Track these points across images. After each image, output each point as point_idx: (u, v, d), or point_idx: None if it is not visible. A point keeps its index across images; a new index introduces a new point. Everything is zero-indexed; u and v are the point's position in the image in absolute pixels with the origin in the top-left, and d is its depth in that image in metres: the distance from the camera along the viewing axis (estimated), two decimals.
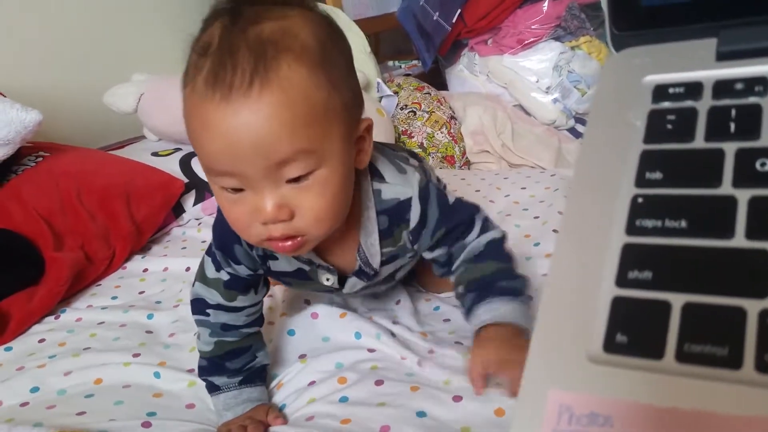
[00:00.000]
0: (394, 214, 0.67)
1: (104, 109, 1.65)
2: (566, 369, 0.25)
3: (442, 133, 1.58)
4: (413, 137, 1.58)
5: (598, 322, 0.26)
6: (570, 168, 1.43)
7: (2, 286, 1.00)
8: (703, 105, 0.30)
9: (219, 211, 0.68)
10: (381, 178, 0.67)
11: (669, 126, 0.29)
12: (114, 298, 1.04)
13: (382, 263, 0.71)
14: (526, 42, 1.67)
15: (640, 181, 0.28)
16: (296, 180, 0.54)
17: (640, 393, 0.24)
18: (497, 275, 0.66)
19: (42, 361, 0.83)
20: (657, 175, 0.28)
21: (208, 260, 0.71)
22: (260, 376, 0.74)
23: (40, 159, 1.31)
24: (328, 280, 0.72)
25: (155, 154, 1.53)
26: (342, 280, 0.73)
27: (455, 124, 1.63)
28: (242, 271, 0.70)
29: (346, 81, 0.57)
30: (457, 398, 0.64)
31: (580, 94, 1.65)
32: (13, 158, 1.24)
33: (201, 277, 0.72)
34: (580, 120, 1.68)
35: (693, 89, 0.30)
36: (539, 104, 1.66)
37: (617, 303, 0.26)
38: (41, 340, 0.90)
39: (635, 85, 0.32)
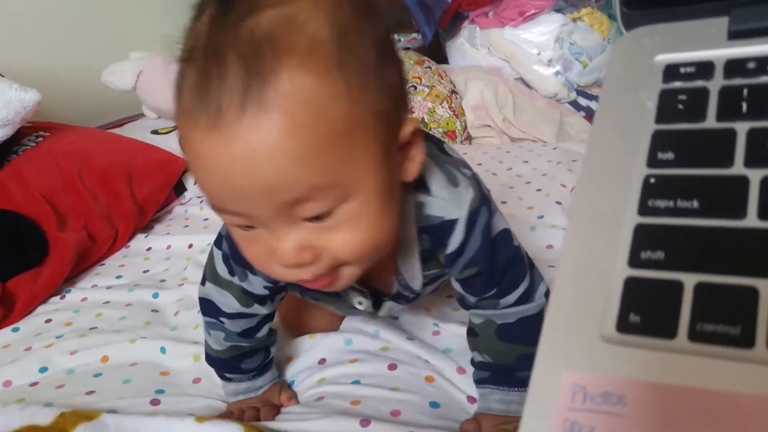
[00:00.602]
0: (436, 233, 0.54)
1: (102, 88, 1.64)
2: (580, 349, 0.26)
3: (443, 107, 1.57)
4: (414, 112, 1.57)
5: (611, 303, 0.26)
6: (572, 141, 1.43)
7: (7, 267, 1.00)
8: (715, 84, 0.30)
9: None
10: (426, 190, 0.53)
11: (680, 106, 0.29)
12: (118, 277, 1.05)
13: (425, 284, 0.61)
14: (528, 14, 1.65)
15: (652, 161, 0.28)
16: (317, 218, 0.43)
17: (653, 372, 0.24)
18: (519, 363, 0.60)
19: (49, 341, 0.83)
20: (669, 155, 0.28)
21: (218, 256, 0.62)
22: (272, 364, 0.71)
23: (41, 139, 1.31)
24: (360, 303, 0.63)
25: (155, 132, 1.52)
26: (377, 301, 0.64)
27: (456, 98, 1.62)
28: (257, 283, 0.60)
29: (378, 77, 0.43)
30: (471, 399, 0.64)
31: (582, 67, 1.63)
32: (13, 139, 1.24)
33: (212, 275, 0.63)
34: (581, 93, 1.67)
35: (704, 69, 0.30)
36: (541, 77, 1.64)
37: (630, 283, 0.26)
38: (48, 321, 0.91)
39: (646, 65, 0.32)
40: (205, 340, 0.68)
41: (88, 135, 1.41)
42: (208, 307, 0.64)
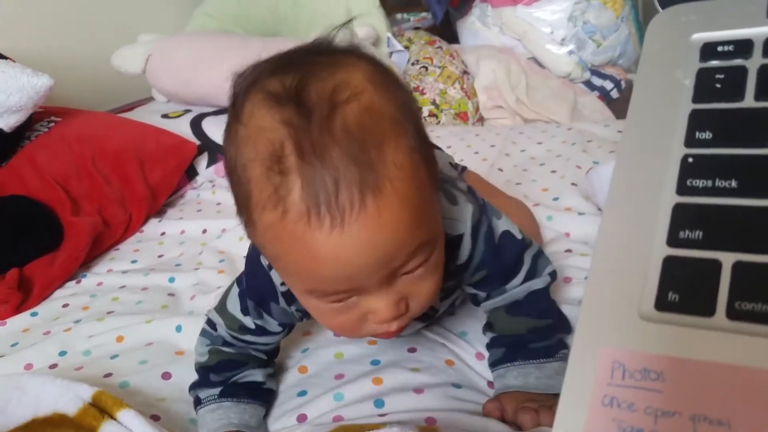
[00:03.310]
0: (445, 249, 0.56)
1: (112, 72, 1.64)
2: (619, 327, 0.26)
3: (454, 88, 1.56)
4: (425, 94, 1.56)
5: (649, 281, 0.26)
6: (586, 121, 1.42)
7: (24, 251, 1.01)
8: (753, 63, 0.29)
9: (250, 263, 0.60)
10: None
11: (718, 85, 0.29)
12: (134, 261, 1.05)
13: (441, 298, 0.64)
14: None
15: (690, 141, 0.28)
16: (412, 270, 0.47)
17: (691, 349, 0.24)
18: (531, 335, 0.61)
19: (67, 325, 0.84)
20: (707, 135, 0.28)
21: (235, 294, 0.62)
22: (249, 393, 0.63)
23: (52, 124, 1.31)
24: None
25: (165, 116, 1.52)
26: None
27: (468, 78, 1.61)
28: (272, 324, 0.61)
29: (423, 129, 0.48)
30: (491, 384, 0.64)
31: (596, 46, 1.62)
32: (26, 124, 1.24)
33: (221, 307, 0.63)
34: (595, 72, 1.66)
35: (742, 47, 0.30)
36: (554, 56, 1.63)
37: (668, 262, 0.26)
38: (65, 305, 0.91)
39: (683, 44, 0.31)
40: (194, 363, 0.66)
41: (99, 119, 1.41)
42: (208, 322, 0.65)
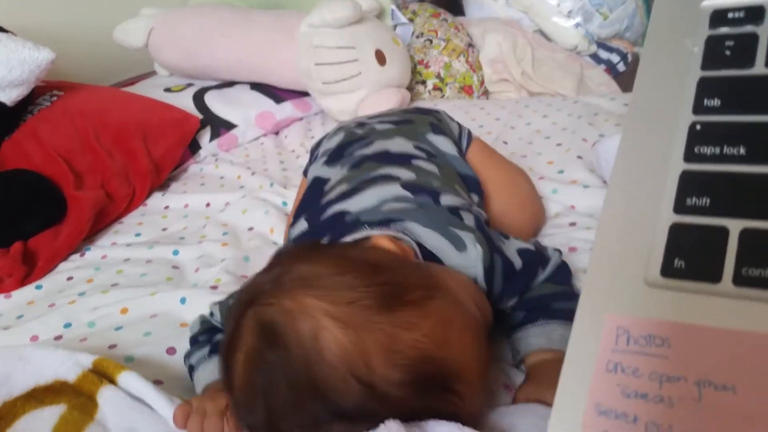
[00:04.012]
0: None
1: (114, 45, 1.63)
2: (624, 293, 0.26)
3: (459, 61, 1.55)
4: (430, 67, 1.55)
5: (656, 248, 0.26)
6: (592, 95, 1.40)
7: (28, 224, 1.01)
8: (765, 30, 0.29)
9: None
10: (440, 263, 0.58)
11: (727, 52, 0.29)
12: (137, 235, 1.05)
13: None
14: None
15: (699, 108, 0.28)
16: None
17: (697, 315, 0.25)
18: (555, 296, 0.61)
19: (72, 297, 0.84)
20: (715, 102, 0.28)
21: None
22: None
23: (55, 98, 1.31)
24: None
25: (168, 90, 1.51)
26: None
27: (473, 52, 1.59)
28: None
29: None
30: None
31: (603, 18, 1.60)
32: (28, 98, 1.24)
33: (224, 303, 0.66)
34: (602, 45, 1.64)
35: (753, 13, 0.30)
36: (560, 29, 1.61)
37: (675, 229, 0.26)
38: (69, 278, 0.92)
39: (692, 11, 0.31)
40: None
41: (102, 94, 1.41)
42: (210, 313, 0.67)
